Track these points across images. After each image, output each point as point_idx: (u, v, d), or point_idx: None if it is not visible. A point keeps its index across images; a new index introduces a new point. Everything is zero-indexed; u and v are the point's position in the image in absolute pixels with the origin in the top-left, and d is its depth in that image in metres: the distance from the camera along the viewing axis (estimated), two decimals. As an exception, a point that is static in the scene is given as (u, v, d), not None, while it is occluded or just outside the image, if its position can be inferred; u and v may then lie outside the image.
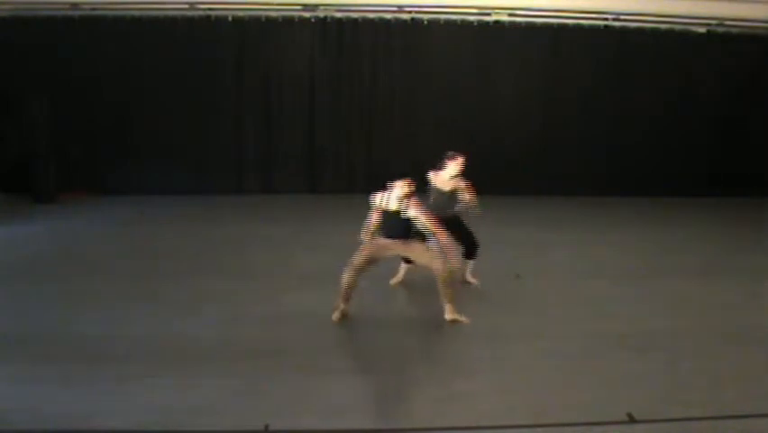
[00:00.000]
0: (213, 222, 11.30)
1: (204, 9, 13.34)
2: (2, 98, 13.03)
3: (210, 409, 4.84)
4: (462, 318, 6.73)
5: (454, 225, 7.72)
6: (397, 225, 6.79)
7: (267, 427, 4.58)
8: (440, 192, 7.89)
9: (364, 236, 6.98)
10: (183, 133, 13.54)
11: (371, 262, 6.87)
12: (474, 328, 6.54)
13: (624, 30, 14.09)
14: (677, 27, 14.15)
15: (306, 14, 13.56)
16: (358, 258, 6.79)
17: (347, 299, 6.80)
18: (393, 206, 6.79)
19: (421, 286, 7.92)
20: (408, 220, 6.76)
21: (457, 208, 7.94)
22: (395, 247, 6.92)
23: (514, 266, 8.78)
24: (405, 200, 6.72)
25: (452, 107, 13.97)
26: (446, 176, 7.96)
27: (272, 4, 13.38)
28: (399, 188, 6.75)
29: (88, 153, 13.26)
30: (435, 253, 6.88)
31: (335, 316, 6.77)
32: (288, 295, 7.46)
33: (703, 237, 10.97)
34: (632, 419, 4.74)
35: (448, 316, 6.76)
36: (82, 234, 10.39)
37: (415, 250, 6.93)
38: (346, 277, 6.75)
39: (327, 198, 13.70)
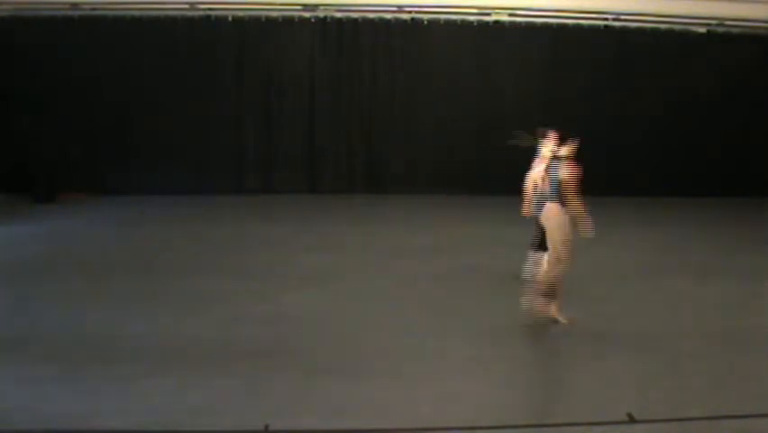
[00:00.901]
0: (213, 222, 11.30)
1: (204, 9, 13.35)
2: (2, 98, 13.02)
3: (210, 409, 4.84)
4: (563, 319, 6.53)
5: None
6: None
7: (267, 427, 4.57)
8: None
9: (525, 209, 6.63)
10: (183, 133, 13.54)
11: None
12: (474, 328, 6.54)
13: (624, 30, 14.10)
14: (677, 27, 14.16)
15: (306, 14, 13.56)
16: (564, 247, 6.46)
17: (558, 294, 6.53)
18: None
19: (420, 285, 7.92)
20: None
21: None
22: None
23: (514, 266, 8.76)
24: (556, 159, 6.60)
25: (452, 107, 13.97)
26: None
27: (272, 4, 13.39)
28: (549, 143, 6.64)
29: (88, 153, 13.25)
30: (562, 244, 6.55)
31: (563, 318, 6.51)
32: (288, 295, 7.45)
33: (703, 237, 10.97)
34: (632, 419, 4.73)
35: (550, 312, 6.55)
36: (82, 234, 10.39)
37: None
38: (558, 271, 6.47)
39: (327, 198, 13.70)
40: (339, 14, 13.67)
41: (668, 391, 5.26)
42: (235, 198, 13.47)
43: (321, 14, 13.61)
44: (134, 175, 13.45)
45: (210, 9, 13.38)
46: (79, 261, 8.85)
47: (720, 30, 14.22)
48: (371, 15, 13.78)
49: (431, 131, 13.99)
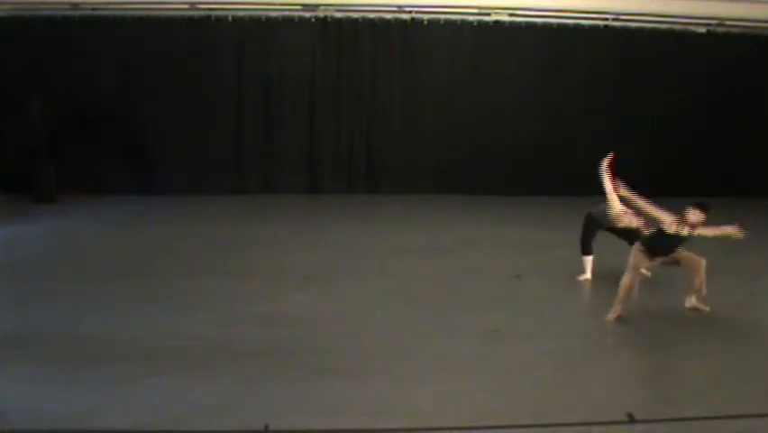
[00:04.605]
0: (213, 222, 11.29)
1: (204, 9, 13.34)
2: (2, 98, 13.02)
3: (210, 409, 4.84)
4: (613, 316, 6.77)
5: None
6: None
7: (267, 427, 4.58)
8: None
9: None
10: (183, 133, 13.53)
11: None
12: (474, 328, 6.54)
13: (624, 30, 14.08)
14: (677, 27, 14.15)
15: (306, 14, 13.56)
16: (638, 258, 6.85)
17: (628, 301, 6.84)
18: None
19: (420, 285, 7.92)
20: None
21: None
22: None
23: (514, 266, 8.78)
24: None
25: (452, 107, 13.97)
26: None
27: (272, 4, 13.38)
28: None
29: (88, 153, 13.24)
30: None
31: (612, 317, 6.75)
32: (287, 295, 7.45)
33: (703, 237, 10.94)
34: (632, 419, 4.73)
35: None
36: (82, 234, 10.38)
37: None
38: (629, 278, 6.80)
39: (327, 198, 13.70)
40: (339, 14, 13.67)
41: (668, 391, 5.26)
42: (235, 198, 13.47)
43: (321, 14, 13.61)
44: (134, 175, 13.44)
45: (210, 9, 13.37)
46: (79, 261, 8.85)
47: (720, 30, 14.21)
48: (371, 15, 13.77)
49: (431, 131, 13.99)
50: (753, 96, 14.37)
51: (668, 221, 6.78)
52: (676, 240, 6.84)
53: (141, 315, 6.73)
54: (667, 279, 8.39)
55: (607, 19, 13.95)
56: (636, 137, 14.29)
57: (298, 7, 13.45)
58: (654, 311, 7.17)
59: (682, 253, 7.08)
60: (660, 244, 6.92)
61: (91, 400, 4.94)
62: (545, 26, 13.91)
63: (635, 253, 6.93)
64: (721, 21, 14.02)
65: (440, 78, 13.94)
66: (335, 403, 4.95)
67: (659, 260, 7.09)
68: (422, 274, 8.39)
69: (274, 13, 13.50)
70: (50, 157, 12.75)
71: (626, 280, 6.80)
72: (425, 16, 13.73)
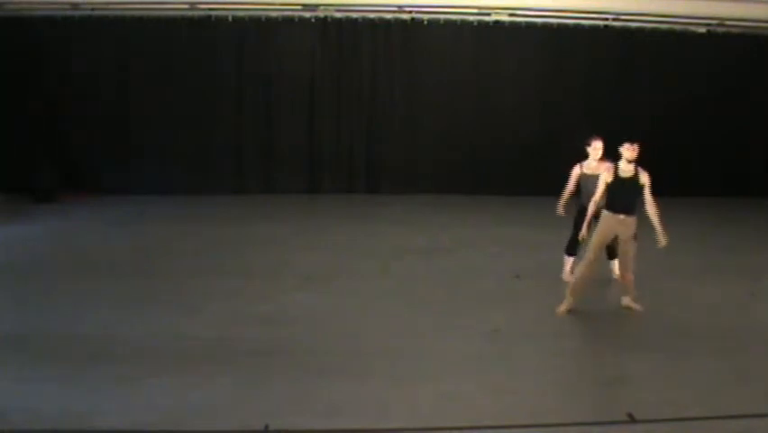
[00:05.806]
0: (213, 222, 11.30)
1: (204, 9, 13.33)
2: (2, 98, 13.01)
3: (210, 409, 4.84)
4: (636, 306, 6.92)
5: (580, 215, 7.85)
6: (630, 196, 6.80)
7: (267, 427, 4.58)
8: (587, 177, 7.98)
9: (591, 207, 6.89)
10: (183, 133, 13.53)
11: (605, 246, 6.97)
12: (474, 328, 6.55)
13: (624, 30, 14.08)
14: (677, 27, 14.14)
15: (306, 14, 13.56)
16: (594, 249, 6.80)
17: (578, 294, 6.88)
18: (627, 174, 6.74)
19: (420, 285, 7.92)
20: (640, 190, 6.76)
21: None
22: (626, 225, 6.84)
23: (514, 266, 8.79)
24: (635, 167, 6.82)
25: (452, 108, 13.97)
26: (592, 161, 8.04)
27: (272, 4, 13.37)
28: (629, 152, 6.89)
29: (88, 153, 13.24)
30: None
31: (562, 309, 6.86)
32: (287, 295, 7.46)
33: (703, 237, 10.97)
34: (632, 419, 4.74)
35: (624, 301, 6.99)
36: (82, 235, 10.39)
37: (630, 228, 6.88)
38: (584, 270, 6.81)
39: (327, 198, 13.70)
40: (339, 14, 13.66)
41: (668, 391, 5.26)
42: (235, 198, 13.47)
43: (321, 14, 13.60)
44: (134, 175, 13.41)
45: (210, 9, 13.36)
46: (79, 261, 8.85)
47: (720, 30, 14.21)
48: (371, 15, 13.76)
49: (431, 131, 13.99)
50: (753, 96, 14.37)
51: (603, 177, 6.97)
52: (627, 189, 6.84)
53: (141, 315, 6.73)
54: (666, 280, 8.41)
55: (607, 19, 13.95)
56: (636, 137, 14.27)
57: (298, 7, 13.44)
58: (654, 312, 7.17)
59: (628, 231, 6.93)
60: (617, 197, 6.86)
61: (91, 400, 4.94)
62: (545, 26, 13.90)
63: (605, 219, 6.86)
64: (721, 21, 14.01)
65: (440, 78, 13.94)
66: (335, 403, 4.95)
67: (620, 219, 6.84)
68: (422, 274, 8.40)
69: (274, 13, 13.49)
70: (49, 157, 12.74)
71: (581, 270, 6.86)
72: (425, 16, 13.72)
